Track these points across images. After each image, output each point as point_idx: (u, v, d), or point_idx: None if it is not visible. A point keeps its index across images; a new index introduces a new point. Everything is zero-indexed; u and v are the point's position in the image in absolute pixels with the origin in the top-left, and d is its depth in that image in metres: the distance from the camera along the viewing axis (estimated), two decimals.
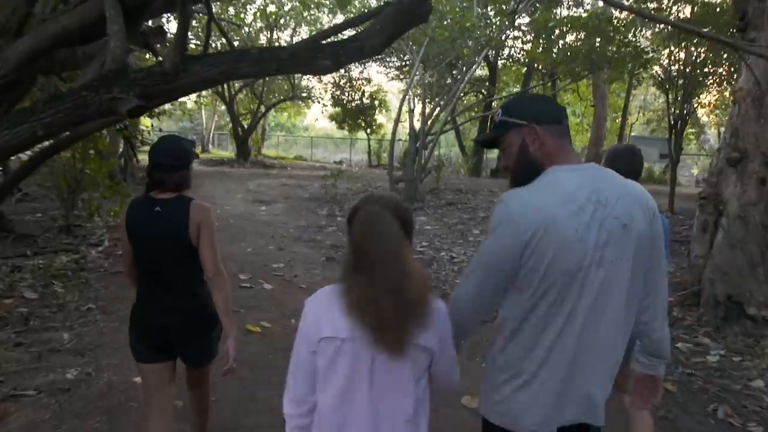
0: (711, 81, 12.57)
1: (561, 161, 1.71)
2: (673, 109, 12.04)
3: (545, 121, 1.72)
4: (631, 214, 1.65)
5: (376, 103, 28.22)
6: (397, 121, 13.42)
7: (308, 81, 26.79)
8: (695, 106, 15.20)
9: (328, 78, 26.84)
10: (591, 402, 1.72)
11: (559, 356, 1.65)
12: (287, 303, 5.96)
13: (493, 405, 1.76)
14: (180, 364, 2.79)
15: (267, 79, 24.67)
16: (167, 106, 16.88)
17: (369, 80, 26.90)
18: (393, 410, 1.60)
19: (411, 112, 13.46)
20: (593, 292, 1.63)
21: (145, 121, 24.64)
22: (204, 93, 29.55)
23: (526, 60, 22.68)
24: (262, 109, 25.41)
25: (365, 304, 1.51)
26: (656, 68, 12.92)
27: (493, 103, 23.99)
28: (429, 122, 13.74)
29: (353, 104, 27.61)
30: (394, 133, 12.91)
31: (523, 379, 1.69)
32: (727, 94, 16.35)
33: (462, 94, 18.03)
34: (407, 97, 14.16)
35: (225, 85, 24.56)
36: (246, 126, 24.93)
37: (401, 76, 25.97)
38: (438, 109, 13.95)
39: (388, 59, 25.28)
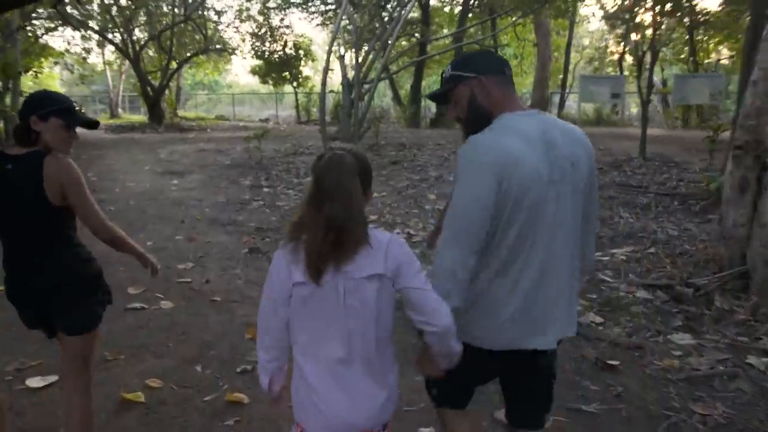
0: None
1: (509, 108, 1.83)
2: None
3: (489, 72, 1.85)
4: (576, 153, 1.81)
5: (301, 53, 25.88)
6: (326, 70, 11.45)
7: (224, 32, 24.18)
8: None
9: (245, 27, 24.34)
10: (558, 321, 1.87)
11: (526, 284, 1.79)
12: (192, 335, 4.16)
13: (468, 328, 1.83)
14: None
15: (175, 30, 21.99)
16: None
17: (290, 28, 24.43)
18: (364, 334, 1.67)
19: (342, 58, 11.47)
20: (550, 225, 1.77)
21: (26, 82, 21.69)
22: (108, 51, 26.48)
23: None
24: (174, 65, 22.65)
25: (310, 237, 1.61)
26: None
27: (427, 47, 22.22)
28: (363, 70, 11.88)
29: (276, 56, 25.18)
30: (324, 84, 10.89)
31: (493, 306, 1.81)
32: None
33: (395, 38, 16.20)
34: (335, 42, 12.19)
35: (128, 40, 21.76)
36: (157, 86, 22.21)
37: (326, 22, 23.72)
38: (371, 54, 12.07)
39: (311, 3, 22.95)
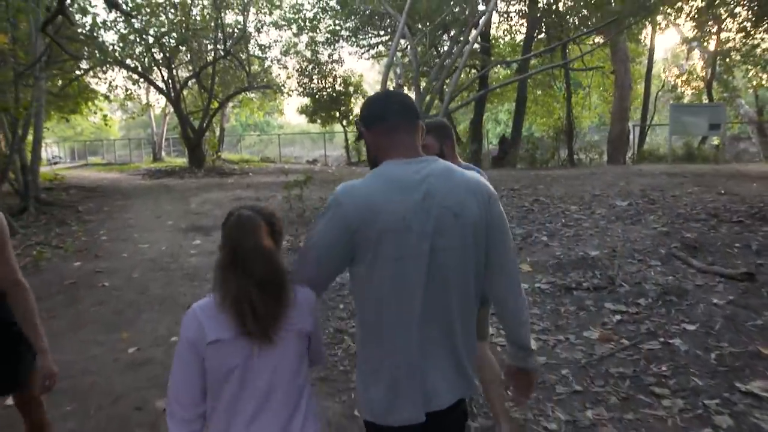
0: None
1: (393, 155, 1.79)
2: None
3: (370, 122, 1.84)
4: (462, 203, 1.72)
5: (351, 89, 24.23)
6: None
7: (269, 69, 22.71)
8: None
9: (292, 63, 22.86)
10: (456, 378, 1.79)
11: (405, 344, 1.70)
12: None
13: (363, 402, 1.80)
14: None
15: (217, 68, 20.59)
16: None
17: (340, 62, 22.75)
18: (286, 389, 1.72)
19: (400, 89, 9.44)
20: (429, 278, 1.68)
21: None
22: (153, 91, 25.41)
23: (526, 17, 18.70)
24: (216, 105, 21.20)
25: (241, 298, 1.61)
26: None
27: (488, 80, 20.19)
28: (423, 105, 9.87)
29: (324, 93, 23.58)
30: None
31: (379, 373, 1.74)
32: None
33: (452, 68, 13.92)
34: (393, 69, 10.23)
35: (170, 80, 20.45)
36: (197, 127, 20.76)
37: (378, 56, 22.00)
38: (429, 88, 10.05)
39: (360, 35, 21.29)
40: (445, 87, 10.24)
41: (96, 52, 15.62)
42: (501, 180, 13.12)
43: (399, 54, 11.10)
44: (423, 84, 11.00)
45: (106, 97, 21.76)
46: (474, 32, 11.80)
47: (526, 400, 2.06)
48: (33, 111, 14.10)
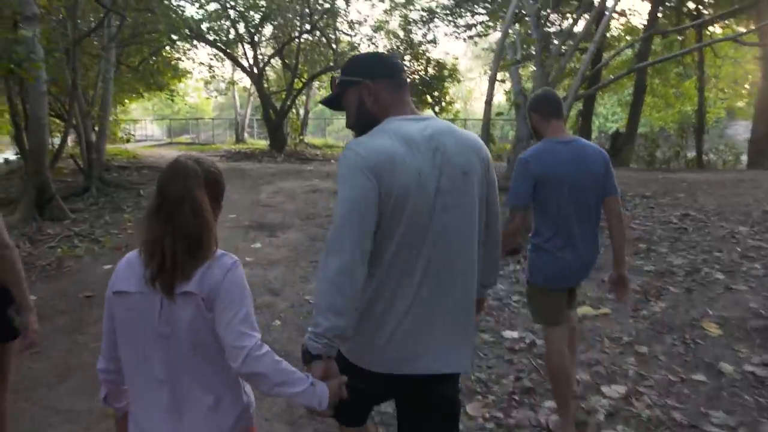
0: None
1: (397, 113, 1.75)
2: None
3: (377, 76, 1.76)
4: (470, 162, 1.72)
5: (445, 73, 22.20)
6: (492, 92, 7.40)
7: (358, 47, 21.02)
8: None
9: (382, 43, 21.09)
10: (450, 349, 1.73)
11: (406, 303, 1.66)
12: None
13: (350, 343, 1.72)
14: None
15: (302, 45, 19.10)
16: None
17: (434, 43, 20.73)
18: (181, 358, 1.53)
19: (516, 67, 7.38)
20: (437, 240, 1.65)
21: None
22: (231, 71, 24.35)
23: None
24: (299, 85, 19.77)
25: (154, 243, 1.50)
26: None
27: (602, 69, 17.63)
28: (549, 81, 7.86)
29: (417, 76, 21.68)
30: (488, 104, 6.83)
31: (370, 325, 1.69)
32: None
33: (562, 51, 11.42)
34: (504, 47, 8.22)
35: (252, 53, 19.15)
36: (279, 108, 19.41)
37: (481, 34, 19.88)
38: (558, 60, 8.00)
39: (458, 13, 19.25)
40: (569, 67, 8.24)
41: (173, 23, 14.42)
42: (624, 183, 10.85)
43: (512, 31, 9.12)
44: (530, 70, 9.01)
45: (186, 75, 20.88)
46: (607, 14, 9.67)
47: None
48: (99, 85, 13.04)
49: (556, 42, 10.93)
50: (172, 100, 18.83)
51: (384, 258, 1.62)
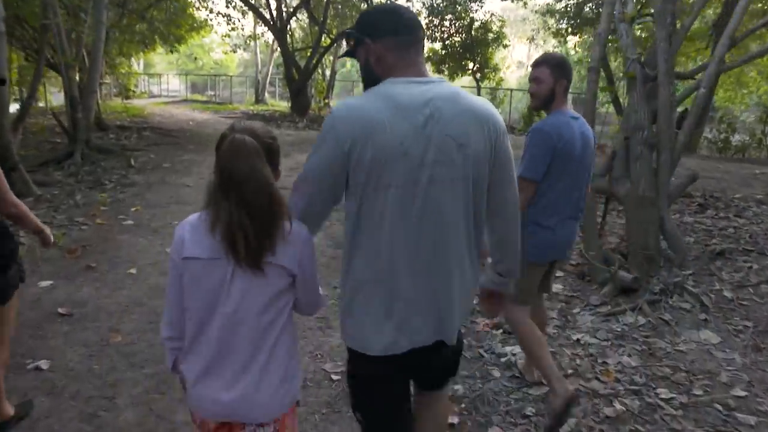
0: None
1: (397, 74, 1.61)
2: None
3: (383, 35, 1.62)
4: (467, 132, 1.56)
5: (490, 37, 19.90)
6: (600, 55, 5.17)
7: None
8: None
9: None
10: (440, 321, 1.66)
11: (398, 271, 1.58)
12: None
13: (347, 329, 1.70)
14: None
15: None
16: None
17: (481, 1, 18.41)
18: (253, 323, 1.55)
19: (629, 24, 5.21)
20: (424, 210, 1.54)
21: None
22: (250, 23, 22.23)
23: None
24: (327, 42, 17.66)
25: (229, 224, 1.48)
26: None
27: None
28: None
29: (457, 39, 19.42)
30: (596, 73, 4.67)
31: (368, 300, 1.62)
32: None
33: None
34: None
35: (275, 3, 17.05)
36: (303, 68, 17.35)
37: None
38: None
39: None
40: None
41: None
42: (709, 177, 8.72)
43: None
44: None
45: (204, 28, 18.91)
46: None
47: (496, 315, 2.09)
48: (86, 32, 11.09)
49: None
50: (190, 55, 16.87)
51: (365, 231, 1.56)
